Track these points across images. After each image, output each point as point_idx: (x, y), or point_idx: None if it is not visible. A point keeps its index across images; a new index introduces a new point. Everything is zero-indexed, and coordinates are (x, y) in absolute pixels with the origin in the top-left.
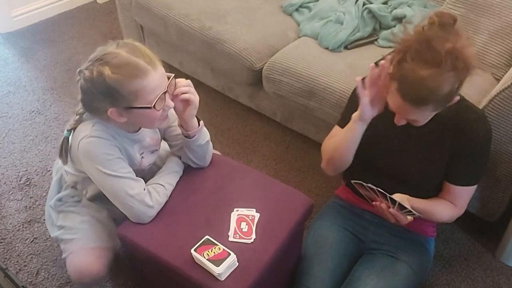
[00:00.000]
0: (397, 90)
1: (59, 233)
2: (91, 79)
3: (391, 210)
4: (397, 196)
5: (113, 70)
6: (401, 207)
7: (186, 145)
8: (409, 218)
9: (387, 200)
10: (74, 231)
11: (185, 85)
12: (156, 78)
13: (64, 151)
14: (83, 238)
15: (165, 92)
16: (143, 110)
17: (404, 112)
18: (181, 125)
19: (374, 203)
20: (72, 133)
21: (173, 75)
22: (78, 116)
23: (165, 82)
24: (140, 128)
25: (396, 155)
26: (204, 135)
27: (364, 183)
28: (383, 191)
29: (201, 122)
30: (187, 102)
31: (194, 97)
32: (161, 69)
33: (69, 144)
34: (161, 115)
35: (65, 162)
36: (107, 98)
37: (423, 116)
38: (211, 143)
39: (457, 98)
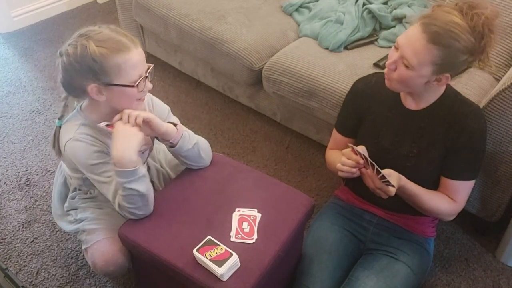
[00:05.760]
0: (421, 24)
1: (80, 224)
2: (75, 54)
3: (372, 175)
4: (387, 170)
5: (97, 43)
6: (382, 177)
7: (175, 155)
8: (391, 189)
9: (372, 168)
10: (97, 221)
11: (135, 112)
12: (138, 55)
13: (57, 141)
14: (108, 228)
15: (145, 77)
16: (124, 88)
17: (410, 46)
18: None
19: (361, 169)
20: (62, 121)
21: (152, 65)
22: (63, 102)
23: (145, 64)
24: None
25: (392, 150)
26: (188, 139)
27: (355, 147)
28: (372, 161)
29: (179, 127)
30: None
31: (147, 112)
32: (141, 50)
33: (60, 137)
34: (140, 96)
35: (58, 154)
36: (89, 73)
37: (421, 60)
38: (202, 142)
39: (448, 77)
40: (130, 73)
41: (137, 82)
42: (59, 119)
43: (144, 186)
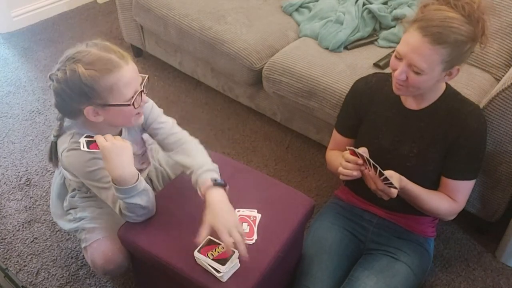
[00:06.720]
0: (417, 28)
1: (80, 223)
2: (65, 79)
3: (374, 176)
4: (388, 171)
5: (86, 66)
6: (385, 178)
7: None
8: (393, 190)
9: (375, 170)
10: (96, 220)
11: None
12: (129, 71)
13: (54, 155)
14: (107, 227)
15: (141, 91)
16: (120, 108)
17: (415, 53)
18: None
19: (364, 171)
20: (58, 138)
21: (146, 76)
22: (59, 122)
23: (139, 78)
24: (120, 135)
25: (392, 150)
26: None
27: (356, 150)
28: (374, 163)
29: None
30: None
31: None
32: (133, 65)
33: (57, 148)
34: (138, 111)
35: (55, 165)
36: (82, 96)
37: (430, 63)
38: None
39: (458, 68)
40: (124, 91)
41: (133, 99)
42: (55, 136)
43: (145, 199)
